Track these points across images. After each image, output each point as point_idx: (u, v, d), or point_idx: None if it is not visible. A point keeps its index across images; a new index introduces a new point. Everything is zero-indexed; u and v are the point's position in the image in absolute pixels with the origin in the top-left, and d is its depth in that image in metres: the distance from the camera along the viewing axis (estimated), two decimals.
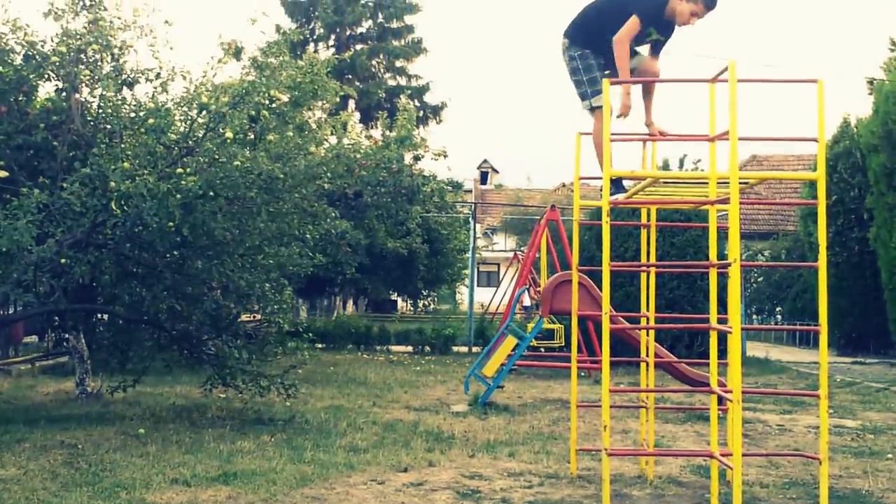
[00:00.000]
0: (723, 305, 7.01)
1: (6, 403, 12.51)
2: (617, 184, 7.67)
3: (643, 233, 8.95)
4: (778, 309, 30.88)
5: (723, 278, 7.00)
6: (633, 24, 7.36)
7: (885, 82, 21.84)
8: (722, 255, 8.11)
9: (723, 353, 7.60)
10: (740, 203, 6.45)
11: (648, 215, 8.90)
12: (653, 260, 8.83)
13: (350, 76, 40.92)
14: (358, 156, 21.46)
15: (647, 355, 8.81)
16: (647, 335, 9.03)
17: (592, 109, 7.65)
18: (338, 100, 18.72)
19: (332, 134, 22.10)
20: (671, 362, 12.82)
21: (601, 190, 7.25)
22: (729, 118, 6.19)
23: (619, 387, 12.50)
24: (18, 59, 11.29)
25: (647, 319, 8.96)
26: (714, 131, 6.86)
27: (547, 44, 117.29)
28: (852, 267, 23.39)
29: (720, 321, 7.19)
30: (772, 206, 37.47)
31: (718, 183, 7.00)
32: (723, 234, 7.43)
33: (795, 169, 36.24)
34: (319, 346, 21.97)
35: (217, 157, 10.68)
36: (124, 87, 11.80)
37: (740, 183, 6.83)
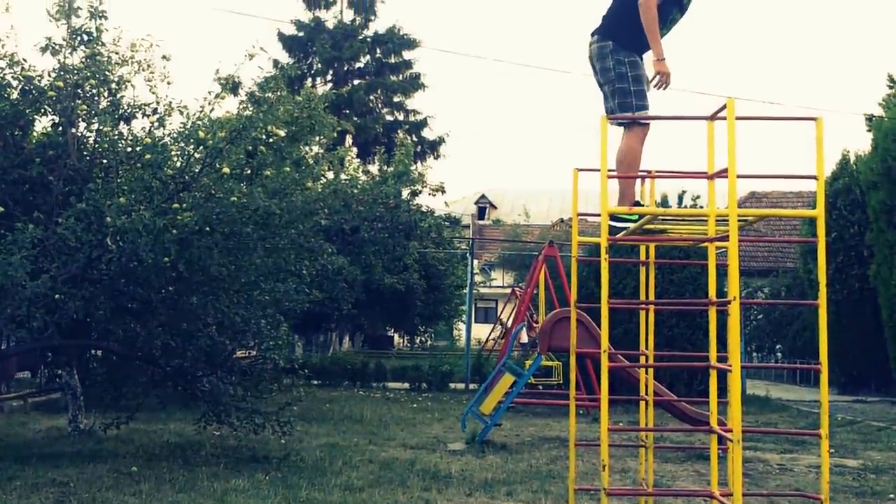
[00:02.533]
0: (722, 343, 6.92)
1: None
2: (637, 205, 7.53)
3: (642, 270, 8.87)
4: (778, 346, 30.76)
5: (722, 316, 6.92)
6: None
7: (884, 119, 21.85)
8: (721, 293, 8.04)
9: (722, 391, 7.51)
10: (739, 240, 6.38)
11: (647, 252, 8.82)
12: (652, 297, 8.74)
13: (347, 111, 40.97)
14: (355, 191, 21.45)
15: (647, 393, 8.72)
16: (647, 373, 8.94)
17: (627, 125, 7.46)
18: (335, 135, 18.72)
19: (329, 169, 22.09)
20: (671, 401, 12.71)
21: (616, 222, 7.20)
22: (728, 156, 6.14)
23: (618, 425, 12.38)
24: (15, 94, 11.27)
25: (647, 357, 8.86)
26: (713, 168, 6.80)
27: (544, 79, 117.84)
28: (852, 304, 23.30)
29: (720, 359, 7.11)
30: (771, 243, 37.45)
31: (717, 220, 6.94)
32: (722, 272, 7.37)
33: (795, 205, 36.26)
34: (315, 382, 21.86)
35: (214, 192, 10.64)
36: (121, 122, 11.78)
37: (739, 220, 6.77)
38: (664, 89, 7.30)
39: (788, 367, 23.68)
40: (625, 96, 7.40)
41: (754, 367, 28.70)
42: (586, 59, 7.78)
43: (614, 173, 7.35)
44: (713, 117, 6.75)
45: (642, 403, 8.89)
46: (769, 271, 32.51)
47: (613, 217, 7.33)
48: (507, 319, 27.75)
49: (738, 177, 6.25)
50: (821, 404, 6.64)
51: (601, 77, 7.63)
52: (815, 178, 6.61)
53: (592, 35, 7.68)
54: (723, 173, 6.35)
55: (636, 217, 7.29)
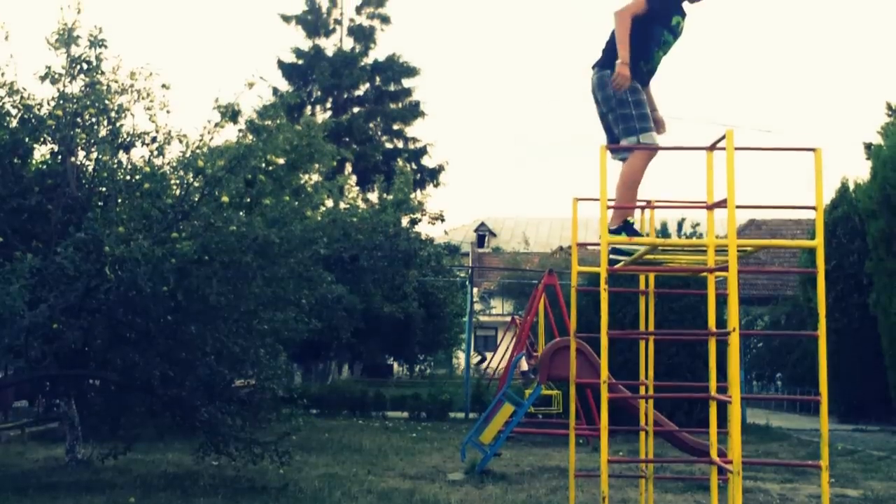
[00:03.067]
0: (722, 372, 6.90)
1: None
2: (629, 229, 7.53)
3: (641, 299, 8.85)
4: (778, 375, 30.66)
5: (722, 345, 6.90)
6: (638, 1, 7.30)
7: (883, 147, 21.87)
8: (721, 321, 8.02)
9: (723, 420, 7.48)
10: (739, 270, 6.37)
11: (646, 282, 8.81)
12: (651, 326, 8.72)
13: (347, 139, 41.07)
14: (354, 220, 21.46)
15: (647, 423, 8.69)
16: (647, 403, 8.91)
17: (623, 154, 7.47)
18: (334, 163, 18.73)
19: (328, 197, 22.12)
20: (671, 431, 12.65)
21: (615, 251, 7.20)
22: (727, 187, 6.13)
23: (618, 454, 12.33)
24: (14, 123, 11.28)
25: (647, 387, 8.83)
26: (712, 199, 6.80)
27: (544, 106, 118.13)
28: (852, 333, 23.23)
29: (720, 389, 7.08)
30: (771, 272, 37.40)
31: (717, 249, 6.93)
32: (722, 300, 7.35)
33: (794, 233, 36.26)
34: (314, 411, 21.77)
35: (213, 221, 10.63)
36: (120, 151, 11.78)
37: (738, 250, 6.75)
38: (617, 89, 7.34)
39: (788, 399, 23.60)
40: (627, 121, 7.42)
41: (754, 398, 28.62)
42: (589, 93, 7.80)
43: (614, 203, 7.36)
44: (712, 148, 6.75)
45: (642, 433, 8.86)
46: (769, 299, 32.44)
47: (613, 246, 7.33)
48: (505, 351, 27.70)
49: (738, 207, 6.25)
50: (821, 436, 6.61)
51: (603, 106, 7.64)
52: (814, 208, 6.61)
53: (593, 68, 7.72)
54: (722, 204, 6.34)
55: (633, 251, 7.30)
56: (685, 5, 7.66)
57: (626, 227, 7.43)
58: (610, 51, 7.62)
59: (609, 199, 7.02)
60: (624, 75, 7.26)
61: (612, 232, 7.32)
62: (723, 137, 6.31)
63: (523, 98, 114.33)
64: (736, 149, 6.21)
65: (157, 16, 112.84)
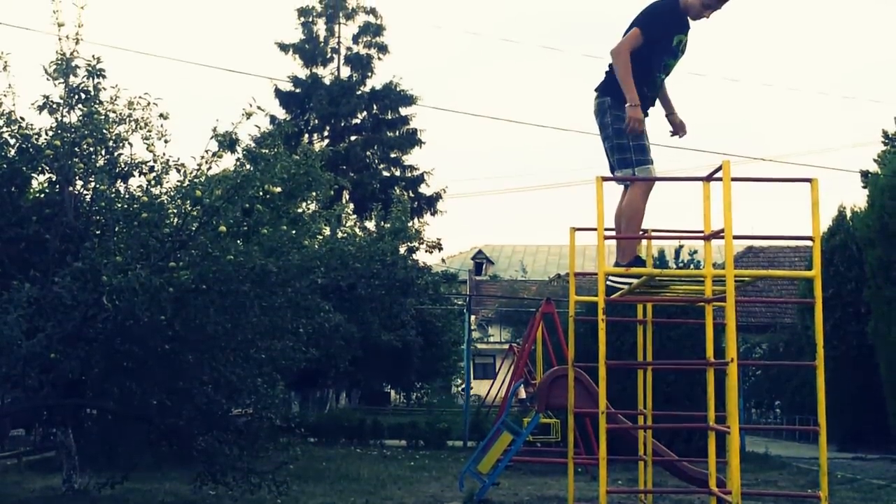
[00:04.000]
0: (721, 401, 6.90)
1: None
2: (640, 264, 7.53)
3: (639, 328, 8.85)
4: (777, 402, 30.57)
5: (720, 373, 6.90)
6: (633, 35, 7.27)
7: (880, 176, 21.90)
8: (719, 349, 8.01)
9: (722, 449, 7.48)
10: (736, 301, 6.37)
11: (645, 311, 8.82)
12: (649, 355, 8.72)
13: (344, 167, 41.04)
14: (352, 248, 21.45)
15: (645, 453, 8.67)
16: (645, 432, 8.90)
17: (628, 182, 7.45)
18: (332, 192, 18.71)
19: (326, 226, 22.11)
20: (671, 460, 12.61)
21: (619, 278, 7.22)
22: (724, 218, 6.15)
23: (616, 482, 12.26)
24: (12, 152, 11.30)
25: (645, 417, 8.82)
26: (709, 228, 6.81)
27: (541, 135, 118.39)
28: (851, 361, 23.20)
29: (718, 419, 7.07)
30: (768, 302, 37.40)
31: (714, 279, 6.94)
32: (720, 328, 7.35)
33: (792, 260, 36.29)
34: (312, 440, 21.69)
35: (210, 250, 10.63)
36: (118, 180, 11.80)
37: (736, 280, 6.76)
38: (634, 133, 7.25)
39: (787, 429, 23.56)
40: (623, 152, 7.40)
41: (753, 428, 28.58)
42: (592, 115, 7.79)
43: (611, 233, 7.37)
44: (709, 178, 6.76)
45: (641, 463, 8.84)
46: (767, 327, 32.40)
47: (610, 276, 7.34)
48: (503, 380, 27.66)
49: (735, 237, 6.26)
50: (820, 466, 6.60)
51: (601, 133, 7.64)
52: (811, 238, 6.62)
53: (595, 91, 7.70)
54: (719, 234, 6.35)
55: (630, 281, 7.31)
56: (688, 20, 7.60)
57: (636, 262, 7.44)
58: (610, 75, 7.61)
59: (606, 229, 7.04)
60: (637, 118, 7.20)
61: (624, 267, 7.33)
62: (719, 168, 6.33)
63: (520, 127, 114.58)
64: (733, 179, 6.23)
65: (156, 45, 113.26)
